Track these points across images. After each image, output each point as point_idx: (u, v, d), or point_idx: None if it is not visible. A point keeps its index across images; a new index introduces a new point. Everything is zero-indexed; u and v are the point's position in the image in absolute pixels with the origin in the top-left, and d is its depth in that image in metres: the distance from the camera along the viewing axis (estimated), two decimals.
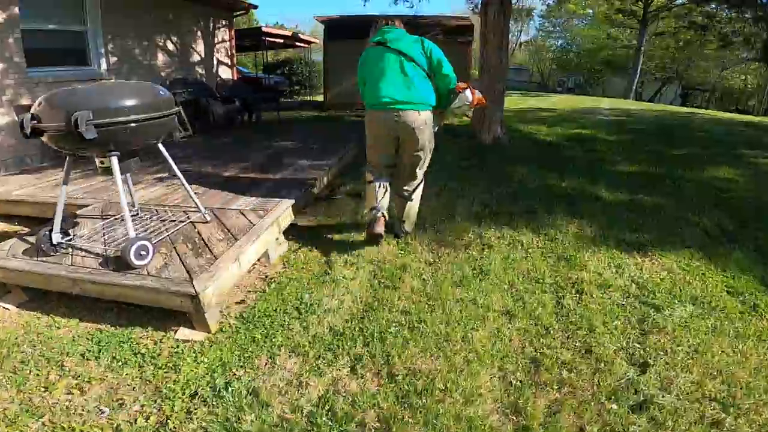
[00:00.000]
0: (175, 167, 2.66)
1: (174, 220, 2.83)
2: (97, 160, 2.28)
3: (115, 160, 2.22)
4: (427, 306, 2.28)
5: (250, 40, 10.96)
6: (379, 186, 2.68)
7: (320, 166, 4.28)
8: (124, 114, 2.13)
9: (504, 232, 3.11)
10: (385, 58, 2.49)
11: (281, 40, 12.02)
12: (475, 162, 5.05)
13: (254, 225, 2.76)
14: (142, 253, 2.20)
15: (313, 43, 14.34)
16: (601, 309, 2.27)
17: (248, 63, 17.63)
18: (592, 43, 29.14)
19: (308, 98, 15.86)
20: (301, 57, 17.93)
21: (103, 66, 5.68)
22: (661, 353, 1.94)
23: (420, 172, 2.74)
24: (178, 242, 2.55)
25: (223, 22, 8.36)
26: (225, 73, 8.59)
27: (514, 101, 16.82)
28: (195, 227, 2.76)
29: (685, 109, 16.11)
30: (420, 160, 2.66)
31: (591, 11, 27.19)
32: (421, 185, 2.82)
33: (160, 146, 2.56)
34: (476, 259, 2.77)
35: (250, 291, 2.49)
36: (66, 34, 5.37)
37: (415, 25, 10.73)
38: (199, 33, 7.72)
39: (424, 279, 2.54)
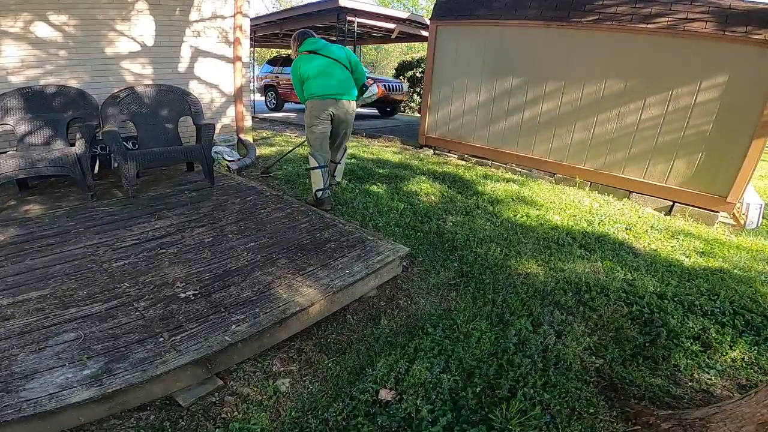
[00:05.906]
0: None
1: None
2: None
3: None
4: None
5: (328, 22, 6.78)
6: (323, 171, 3.30)
7: None
8: None
9: None
10: (322, 62, 3.18)
11: (391, 25, 7.40)
12: None
13: None
14: None
15: None
16: None
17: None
18: None
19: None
20: None
21: None
22: None
23: (346, 143, 3.64)
24: None
25: None
26: (219, 71, 4.66)
27: None
28: None
29: None
30: (348, 134, 3.54)
31: None
32: (347, 151, 3.74)
33: None
34: None
35: None
36: None
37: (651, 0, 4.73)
38: (143, 5, 3.92)
39: None
